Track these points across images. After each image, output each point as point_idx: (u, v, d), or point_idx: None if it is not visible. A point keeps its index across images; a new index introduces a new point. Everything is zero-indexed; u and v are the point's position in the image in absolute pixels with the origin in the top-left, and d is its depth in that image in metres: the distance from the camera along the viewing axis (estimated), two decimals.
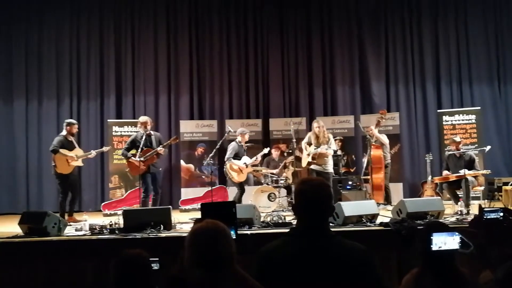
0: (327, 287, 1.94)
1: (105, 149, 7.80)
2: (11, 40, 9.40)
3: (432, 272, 2.26)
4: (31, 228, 5.35)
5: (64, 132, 7.19)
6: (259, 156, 7.65)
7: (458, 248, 2.21)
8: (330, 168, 7.26)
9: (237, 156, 7.61)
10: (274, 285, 1.97)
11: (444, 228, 2.32)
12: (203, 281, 1.91)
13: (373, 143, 7.76)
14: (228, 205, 2.43)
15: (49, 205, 8.39)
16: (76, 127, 7.31)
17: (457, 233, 2.25)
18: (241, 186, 7.63)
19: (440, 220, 5.47)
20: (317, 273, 1.95)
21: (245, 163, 7.55)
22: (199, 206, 8.70)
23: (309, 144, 7.30)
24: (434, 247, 2.22)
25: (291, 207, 6.70)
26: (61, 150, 6.99)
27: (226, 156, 7.60)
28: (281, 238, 2.11)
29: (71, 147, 7.13)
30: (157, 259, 2.40)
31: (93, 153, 7.34)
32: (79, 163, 7.17)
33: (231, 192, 8.64)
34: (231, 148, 7.65)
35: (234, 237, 2.27)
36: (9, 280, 4.82)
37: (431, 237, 2.23)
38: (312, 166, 7.24)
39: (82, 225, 5.64)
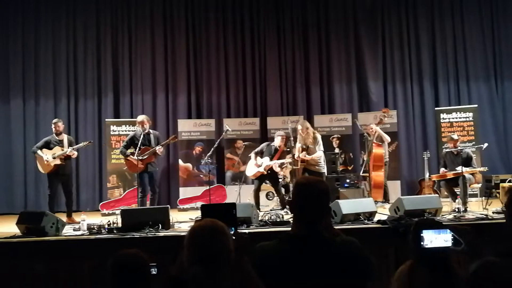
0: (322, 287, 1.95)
1: (83, 144, 7.29)
2: (7, 39, 9.37)
3: (426, 266, 2.28)
4: (29, 228, 5.34)
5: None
6: (273, 162, 7.32)
7: (445, 245, 2.21)
8: (322, 168, 7.22)
9: (261, 154, 7.50)
10: (268, 284, 1.98)
11: (433, 225, 2.33)
12: (202, 278, 1.93)
13: (374, 141, 7.76)
14: (228, 206, 2.44)
15: (46, 205, 8.35)
16: (57, 125, 7.23)
17: (447, 231, 2.25)
18: (255, 183, 7.56)
19: (436, 218, 5.47)
20: (312, 274, 1.95)
21: (258, 163, 7.44)
22: (197, 205, 8.75)
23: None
24: (426, 244, 2.24)
25: (288, 206, 6.75)
26: (39, 151, 7.08)
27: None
28: (276, 239, 2.10)
29: (54, 146, 7.12)
30: (155, 263, 2.40)
31: (67, 150, 7.06)
32: (57, 161, 7.03)
33: (229, 191, 8.66)
34: (262, 144, 7.69)
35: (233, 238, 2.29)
36: (7, 280, 4.81)
37: (421, 234, 2.24)
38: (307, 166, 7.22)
39: (80, 225, 5.64)
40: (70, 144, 7.23)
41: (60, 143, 7.17)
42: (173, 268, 2.10)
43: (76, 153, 7.30)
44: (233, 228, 2.27)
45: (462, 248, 2.18)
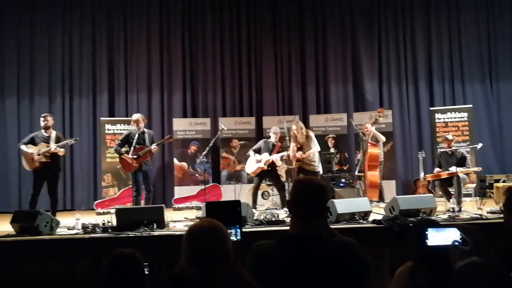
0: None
1: (69, 141, 7.10)
2: (2, 37, 9.32)
3: (427, 267, 2.28)
4: (23, 227, 5.31)
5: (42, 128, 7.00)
6: (274, 156, 7.32)
7: (445, 243, 2.22)
8: (317, 167, 7.23)
9: (259, 152, 7.49)
10: (264, 285, 1.98)
11: (433, 224, 2.34)
12: (200, 279, 1.92)
13: (369, 141, 7.79)
14: (233, 204, 2.44)
15: (41, 204, 8.27)
16: (47, 118, 6.96)
17: (451, 229, 2.25)
18: (254, 180, 7.55)
19: (431, 218, 5.49)
20: (310, 274, 1.95)
21: (258, 159, 7.43)
22: (192, 205, 8.72)
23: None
24: (430, 242, 2.24)
25: (286, 204, 6.75)
26: (24, 146, 6.81)
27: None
28: (274, 239, 2.10)
29: (40, 142, 6.83)
30: (147, 263, 2.40)
31: (52, 147, 6.76)
32: (41, 158, 6.74)
33: (225, 190, 8.65)
34: (259, 142, 7.69)
35: (239, 237, 2.28)
36: (1, 279, 4.79)
37: (426, 232, 2.25)
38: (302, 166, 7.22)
39: (74, 224, 5.61)
40: (57, 141, 6.90)
41: (46, 139, 6.87)
42: (176, 266, 2.09)
43: (62, 150, 6.86)
44: (238, 226, 2.27)
45: (469, 248, 2.17)
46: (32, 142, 6.87)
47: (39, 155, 6.75)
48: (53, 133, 7.00)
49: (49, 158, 6.79)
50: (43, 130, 6.97)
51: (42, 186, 6.88)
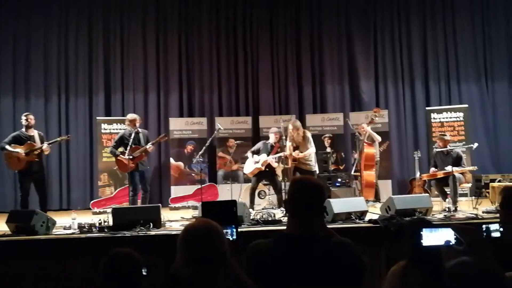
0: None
1: (59, 139, 7.18)
2: None
3: (419, 267, 2.29)
4: (19, 226, 5.29)
5: (23, 127, 6.84)
6: (271, 158, 7.31)
7: (439, 244, 2.23)
8: (313, 167, 7.25)
9: (258, 153, 7.50)
10: (261, 284, 1.98)
11: (428, 223, 2.35)
12: (195, 279, 1.92)
13: (365, 141, 7.81)
14: (229, 203, 2.45)
15: (37, 204, 8.28)
16: (29, 117, 6.81)
17: (445, 229, 2.26)
18: (252, 181, 7.56)
19: (426, 217, 5.51)
20: (306, 274, 1.95)
21: (256, 160, 7.43)
22: (189, 204, 8.72)
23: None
24: (425, 243, 2.24)
25: (283, 203, 6.75)
26: (8, 146, 6.63)
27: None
28: (271, 238, 2.10)
29: (25, 142, 6.69)
30: (145, 264, 2.40)
31: (43, 146, 6.69)
32: (31, 158, 6.62)
33: (221, 190, 8.64)
34: (257, 144, 7.70)
35: (235, 237, 2.28)
36: None
37: (421, 232, 2.25)
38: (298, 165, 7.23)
39: (71, 224, 5.60)
40: (41, 140, 6.78)
41: (30, 138, 6.75)
42: (172, 266, 2.09)
43: (49, 149, 6.85)
44: (233, 226, 2.27)
45: (463, 247, 2.18)
46: (16, 141, 6.71)
47: (27, 154, 6.64)
48: (36, 133, 6.89)
49: (36, 157, 6.68)
50: (24, 129, 6.83)
51: (30, 186, 6.77)
